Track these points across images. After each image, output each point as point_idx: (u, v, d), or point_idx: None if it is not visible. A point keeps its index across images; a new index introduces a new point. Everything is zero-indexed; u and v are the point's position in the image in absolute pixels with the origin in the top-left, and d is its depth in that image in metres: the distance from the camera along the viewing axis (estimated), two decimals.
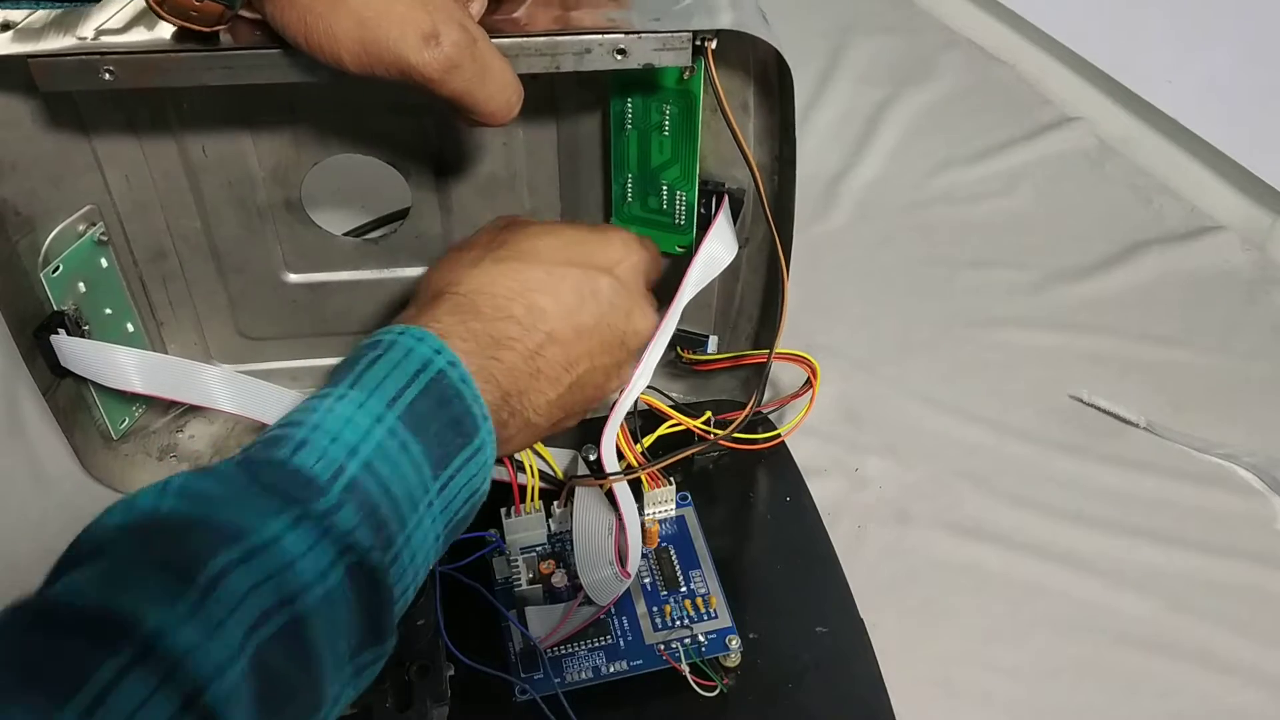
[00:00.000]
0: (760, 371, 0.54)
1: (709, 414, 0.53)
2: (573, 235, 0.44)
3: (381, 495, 0.33)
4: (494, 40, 0.42)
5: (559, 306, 0.41)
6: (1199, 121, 0.75)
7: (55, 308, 0.50)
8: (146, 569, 0.28)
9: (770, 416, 0.58)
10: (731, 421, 0.53)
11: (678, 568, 0.50)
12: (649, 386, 0.47)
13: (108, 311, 0.53)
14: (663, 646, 0.47)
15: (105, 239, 0.52)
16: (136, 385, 0.50)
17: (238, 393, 0.53)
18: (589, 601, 0.47)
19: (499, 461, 0.53)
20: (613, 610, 0.48)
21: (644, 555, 0.50)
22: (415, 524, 0.34)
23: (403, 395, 0.35)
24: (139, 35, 0.42)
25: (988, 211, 0.76)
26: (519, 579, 0.48)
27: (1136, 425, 0.61)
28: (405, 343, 0.37)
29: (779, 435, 0.57)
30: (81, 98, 0.48)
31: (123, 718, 0.25)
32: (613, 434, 0.46)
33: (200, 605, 0.28)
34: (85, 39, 0.42)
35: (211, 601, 0.28)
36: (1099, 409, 0.61)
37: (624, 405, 0.47)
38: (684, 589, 0.49)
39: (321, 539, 0.31)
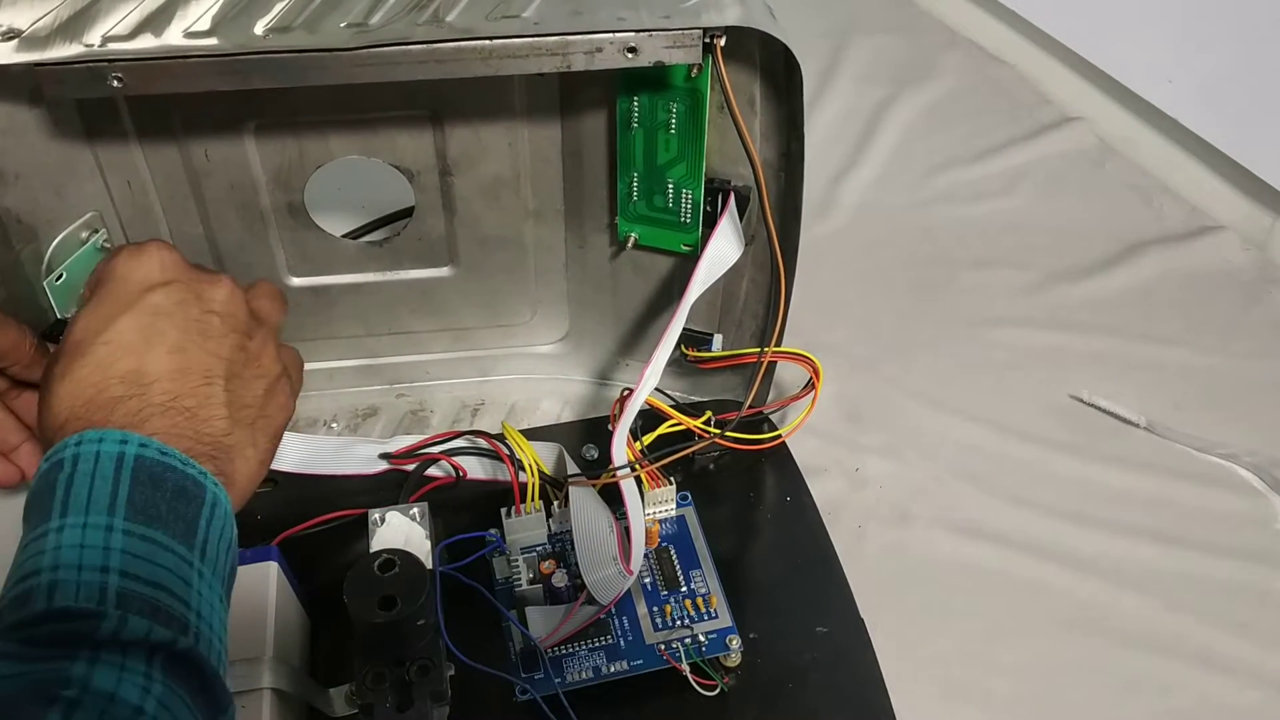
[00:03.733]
0: (758, 370, 0.54)
1: (709, 414, 0.54)
2: (97, 298, 0.40)
3: (154, 590, 0.33)
4: (504, 40, 0.42)
5: (136, 355, 0.38)
6: (1199, 121, 0.75)
7: (59, 315, 0.50)
8: None
9: (772, 417, 0.59)
10: (731, 421, 0.53)
11: (678, 567, 0.50)
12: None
13: None
14: (663, 646, 0.47)
15: (108, 245, 0.52)
16: None
17: None
18: (591, 601, 0.47)
19: (498, 458, 0.54)
20: (613, 610, 0.48)
21: (645, 555, 0.50)
22: (197, 598, 0.34)
23: (117, 497, 0.34)
24: (146, 42, 0.42)
25: (988, 211, 0.76)
26: (519, 579, 0.48)
27: (1137, 425, 0.61)
28: (88, 450, 0.35)
29: (779, 436, 0.57)
30: (85, 104, 0.48)
31: None
32: (624, 432, 0.47)
33: None
34: (92, 46, 0.42)
35: None
36: (1099, 409, 0.62)
37: (635, 404, 0.47)
38: (684, 589, 0.50)
39: (125, 658, 0.31)
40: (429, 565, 0.43)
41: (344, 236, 0.59)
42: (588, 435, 0.58)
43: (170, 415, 0.37)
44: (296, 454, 0.54)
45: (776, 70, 0.47)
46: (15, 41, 0.42)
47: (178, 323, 0.40)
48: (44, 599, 0.32)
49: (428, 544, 0.46)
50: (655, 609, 0.49)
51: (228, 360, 0.40)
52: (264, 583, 0.45)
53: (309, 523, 0.52)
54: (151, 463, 0.35)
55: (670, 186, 0.51)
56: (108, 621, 0.31)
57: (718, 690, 0.46)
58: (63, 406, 0.37)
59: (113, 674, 0.30)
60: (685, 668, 0.46)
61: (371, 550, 0.44)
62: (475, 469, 0.55)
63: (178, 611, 0.33)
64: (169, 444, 0.36)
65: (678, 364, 0.57)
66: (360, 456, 0.55)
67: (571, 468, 0.53)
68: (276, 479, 0.55)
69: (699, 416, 0.53)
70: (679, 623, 0.48)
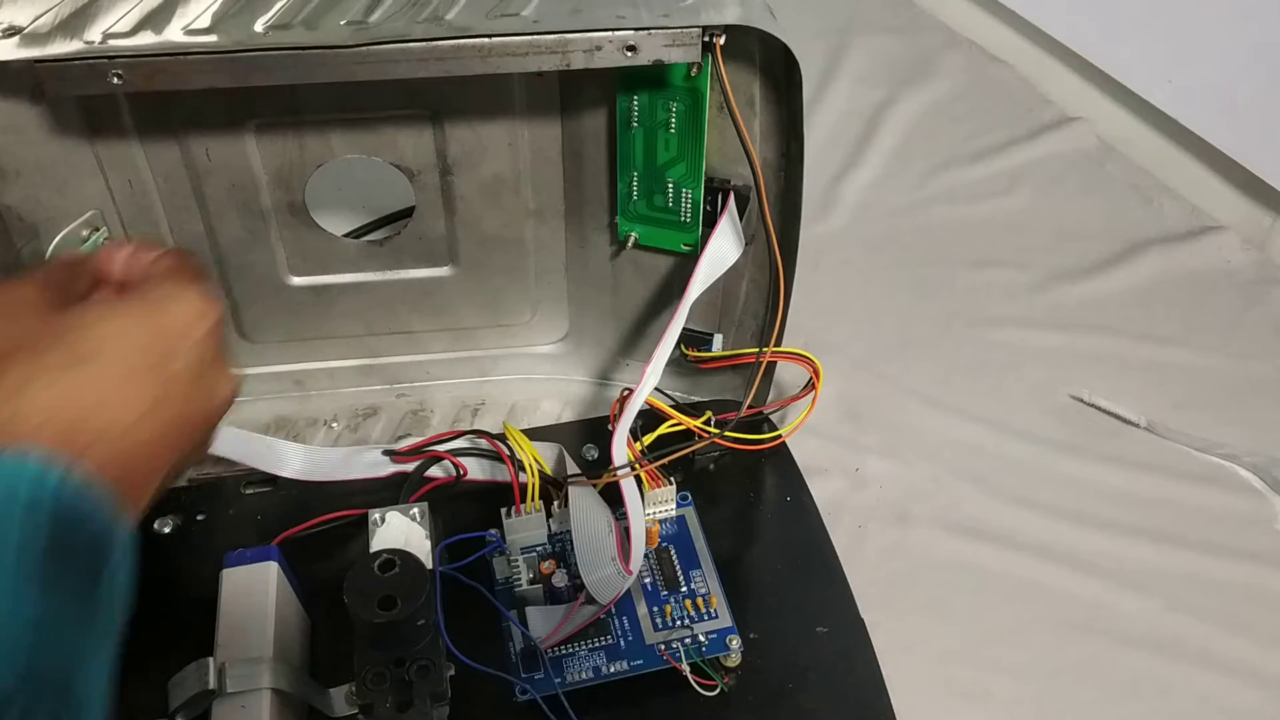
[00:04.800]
0: (757, 370, 0.54)
1: (709, 413, 0.54)
2: (138, 317, 0.36)
3: (57, 670, 0.28)
4: (503, 38, 0.42)
5: (131, 414, 0.34)
6: (1199, 121, 0.75)
7: None
8: None
9: (772, 417, 0.59)
10: (731, 421, 0.53)
11: (678, 567, 0.50)
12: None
13: None
14: (663, 646, 0.47)
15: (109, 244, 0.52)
16: None
17: (233, 445, 0.54)
18: (591, 601, 0.47)
19: (499, 460, 0.54)
20: (613, 610, 0.48)
21: (645, 555, 0.50)
22: (84, 680, 0.29)
23: (26, 551, 0.28)
24: (146, 38, 0.42)
25: (988, 211, 0.76)
26: (519, 579, 0.48)
27: (1137, 425, 0.61)
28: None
29: (779, 436, 0.57)
30: (86, 102, 0.48)
31: None
32: (624, 432, 0.47)
33: None
34: (93, 43, 0.42)
35: None
36: (1099, 409, 0.62)
37: (635, 403, 0.47)
38: (684, 589, 0.49)
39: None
40: (429, 565, 0.43)
41: (344, 236, 0.59)
42: (588, 435, 0.58)
43: (109, 465, 0.32)
44: (300, 463, 0.54)
45: (776, 69, 0.47)
46: (16, 38, 0.42)
47: (180, 405, 0.36)
48: None
49: (428, 544, 0.46)
50: (655, 609, 0.48)
51: (184, 451, 0.36)
52: (264, 583, 0.45)
53: (309, 523, 0.52)
54: (66, 511, 0.29)
55: (670, 186, 0.51)
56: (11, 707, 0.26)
57: (718, 690, 0.46)
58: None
59: None
60: (685, 668, 0.46)
61: (371, 550, 0.44)
62: (475, 469, 0.55)
63: (62, 699, 0.28)
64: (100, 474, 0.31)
65: (678, 364, 0.57)
66: (364, 463, 0.55)
67: (572, 468, 0.53)
68: (276, 480, 0.55)
69: (699, 416, 0.53)
70: (679, 623, 0.48)
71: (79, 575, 0.29)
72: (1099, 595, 0.53)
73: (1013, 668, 0.50)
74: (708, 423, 0.53)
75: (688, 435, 0.53)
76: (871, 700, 0.47)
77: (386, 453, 0.55)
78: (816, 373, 0.53)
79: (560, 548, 0.51)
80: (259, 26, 0.43)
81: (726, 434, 0.53)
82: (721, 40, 0.43)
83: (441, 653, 0.42)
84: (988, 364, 0.65)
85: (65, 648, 0.29)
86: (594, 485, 0.50)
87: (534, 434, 0.56)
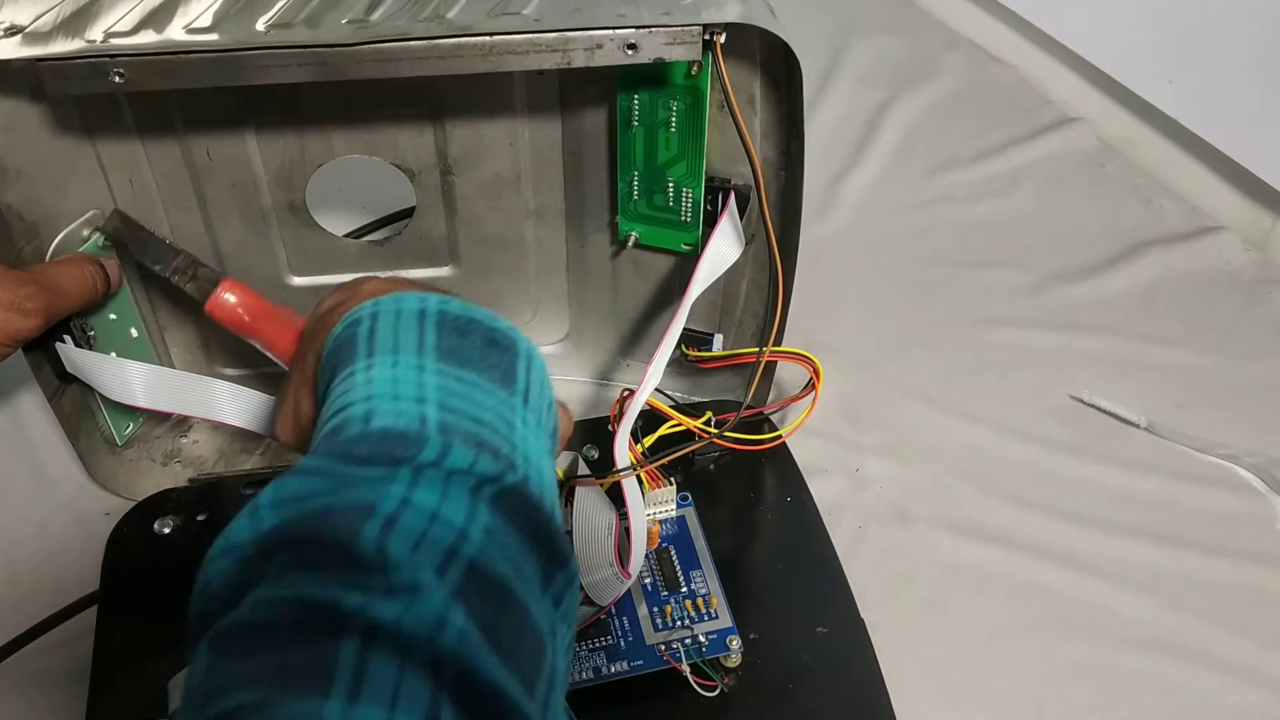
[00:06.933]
0: (756, 370, 0.54)
1: (709, 414, 0.54)
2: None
3: (476, 425, 0.31)
4: (504, 36, 0.42)
5: None
6: (1199, 121, 0.75)
7: None
8: (312, 572, 0.26)
9: (773, 417, 0.59)
10: (731, 421, 0.53)
11: (678, 568, 0.50)
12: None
13: (112, 317, 0.53)
14: (663, 647, 0.47)
15: (109, 244, 0.52)
16: (140, 400, 0.51)
17: (242, 405, 0.53)
18: (589, 601, 0.47)
19: None
20: (613, 610, 0.48)
21: (645, 555, 0.50)
22: (523, 440, 0.32)
23: (425, 342, 0.32)
24: (148, 37, 0.42)
25: (988, 212, 0.76)
26: None
27: (1137, 426, 0.61)
28: (387, 308, 0.34)
29: (780, 436, 0.57)
30: (87, 101, 0.48)
31: (386, 697, 0.24)
32: (626, 433, 0.47)
33: (386, 577, 0.26)
34: (94, 41, 0.42)
35: (393, 571, 0.26)
36: (1099, 409, 0.62)
37: (637, 403, 0.47)
38: (685, 589, 0.49)
39: (448, 484, 0.29)
40: None
41: (345, 236, 0.59)
42: (588, 435, 0.58)
43: None
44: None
45: (776, 68, 0.47)
46: (18, 37, 0.42)
47: None
48: (360, 423, 0.30)
49: None
50: (656, 609, 0.49)
51: None
52: None
53: None
54: (455, 316, 0.34)
55: (670, 185, 0.51)
56: (430, 447, 0.29)
57: (718, 691, 0.46)
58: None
59: (434, 496, 0.28)
60: (685, 668, 0.46)
61: None
62: None
63: (503, 450, 0.30)
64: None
65: (678, 364, 0.57)
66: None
67: (583, 469, 0.53)
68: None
69: (699, 417, 0.53)
70: (679, 623, 0.48)
71: (491, 366, 0.33)
72: (1099, 595, 0.53)
73: (1013, 668, 0.50)
74: (708, 423, 0.53)
75: (688, 435, 0.53)
76: (871, 700, 0.47)
77: None
78: (816, 373, 0.53)
79: None
80: (260, 25, 0.43)
81: (727, 434, 0.53)
82: (722, 39, 0.43)
83: None
84: (988, 364, 0.65)
85: (496, 416, 0.32)
86: (601, 485, 0.50)
87: None
